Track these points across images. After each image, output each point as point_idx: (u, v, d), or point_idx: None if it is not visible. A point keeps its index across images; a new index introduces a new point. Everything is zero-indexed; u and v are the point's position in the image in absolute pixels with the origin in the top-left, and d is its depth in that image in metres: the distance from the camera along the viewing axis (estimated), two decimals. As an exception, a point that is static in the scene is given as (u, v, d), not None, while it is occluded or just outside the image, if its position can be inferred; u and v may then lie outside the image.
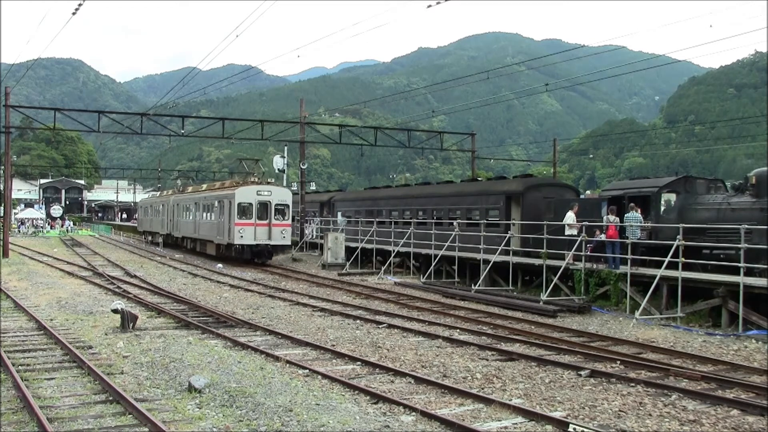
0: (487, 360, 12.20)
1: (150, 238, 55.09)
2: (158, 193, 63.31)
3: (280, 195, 32.96)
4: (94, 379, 9.85)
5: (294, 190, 40.64)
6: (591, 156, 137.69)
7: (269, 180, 34.24)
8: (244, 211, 31.64)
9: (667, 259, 16.30)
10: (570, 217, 20.21)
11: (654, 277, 16.60)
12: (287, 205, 32.68)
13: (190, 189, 46.01)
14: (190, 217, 40.30)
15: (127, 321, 14.41)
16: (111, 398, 8.90)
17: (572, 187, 29.98)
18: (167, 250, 44.95)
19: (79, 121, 38.40)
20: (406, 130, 44.71)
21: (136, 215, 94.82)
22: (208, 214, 36.28)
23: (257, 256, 32.41)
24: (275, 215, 32.08)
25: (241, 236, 31.31)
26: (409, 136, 42.91)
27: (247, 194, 31.87)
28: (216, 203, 34.57)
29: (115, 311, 14.92)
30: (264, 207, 32.01)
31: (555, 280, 19.19)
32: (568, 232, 20.00)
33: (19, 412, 8.32)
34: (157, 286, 23.11)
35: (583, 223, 19.55)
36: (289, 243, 33.09)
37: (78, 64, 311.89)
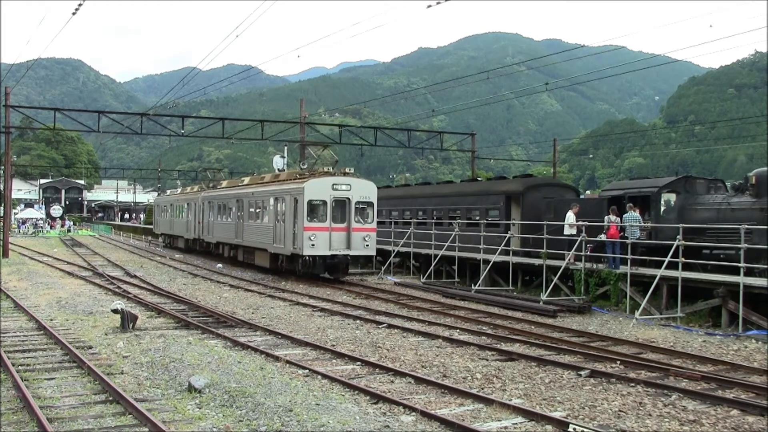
0: (487, 360, 12.20)
1: (169, 241, 48.42)
2: (178, 189, 54.22)
3: (363, 189, 25.07)
4: (94, 379, 9.85)
5: None
6: (591, 156, 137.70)
7: (347, 170, 25.26)
8: (314, 210, 24.15)
9: (667, 259, 16.31)
10: (570, 217, 20.22)
11: (654, 277, 16.60)
12: (371, 203, 24.99)
13: (224, 183, 38.42)
14: (230, 219, 32.70)
15: (127, 321, 14.41)
16: (111, 398, 8.90)
17: (572, 187, 29.97)
18: (194, 257, 38.25)
19: (79, 121, 38.38)
20: (406, 130, 44.70)
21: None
22: (260, 215, 28.73)
23: (331, 271, 25.14)
24: (356, 216, 24.52)
25: (312, 244, 23.64)
26: (409, 136, 42.91)
27: (319, 188, 24.21)
28: (272, 201, 27.00)
29: (115, 311, 14.92)
30: (341, 205, 24.48)
31: (555, 280, 19.20)
32: (567, 231, 20.01)
33: (19, 412, 8.32)
34: (157, 286, 23.11)
35: (584, 223, 19.54)
36: (374, 253, 25.36)
37: (78, 64, 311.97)
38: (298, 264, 24.60)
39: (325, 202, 24.12)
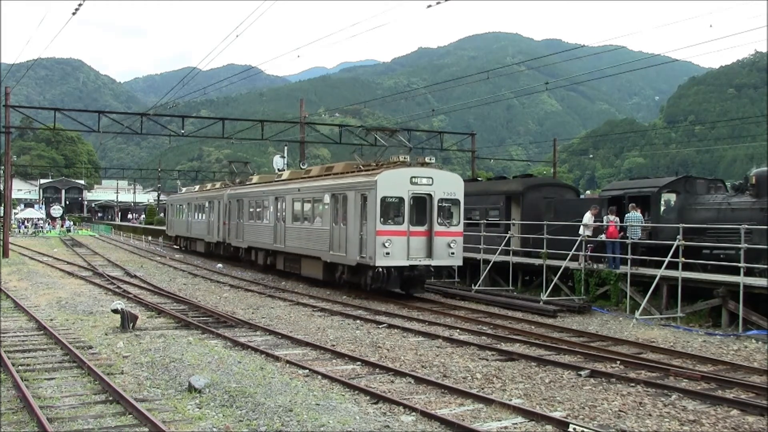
0: (487, 360, 12.20)
1: (185, 245, 43.60)
2: (196, 186, 48.29)
3: (447, 183, 20.44)
4: (94, 379, 9.85)
5: None
6: (591, 156, 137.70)
7: (426, 159, 20.68)
8: (389, 210, 19.76)
9: (667, 259, 16.31)
10: (587, 217, 19.93)
11: (654, 277, 16.61)
12: (457, 201, 20.43)
13: (255, 179, 33.19)
14: (267, 220, 27.98)
15: (127, 321, 14.41)
16: (111, 398, 8.90)
17: (572, 187, 29.97)
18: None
19: (79, 121, 38.37)
20: (406, 130, 44.70)
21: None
22: (310, 216, 24.02)
23: (409, 286, 20.45)
24: (439, 217, 20.01)
25: (387, 253, 19.13)
26: (409, 136, 42.92)
27: (395, 182, 19.63)
28: (328, 198, 22.21)
29: (115, 311, 14.92)
30: (421, 203, 19.97)
31: (555, 280, 19.20)
32: (584, 232, 19.75)
33: (19, 412, 8.33)
34: (157, 286, 23.11)
35: (599, 224, 19.44)
36: (460, 262, 20.84)
37: (78, 64, 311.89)
38: (365, 277, 20.03)
39: (401, 200, 19.62)
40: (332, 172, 23.90)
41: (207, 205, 37.33)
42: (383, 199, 19.43)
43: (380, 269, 19.15)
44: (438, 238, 19.85)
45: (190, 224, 41.77)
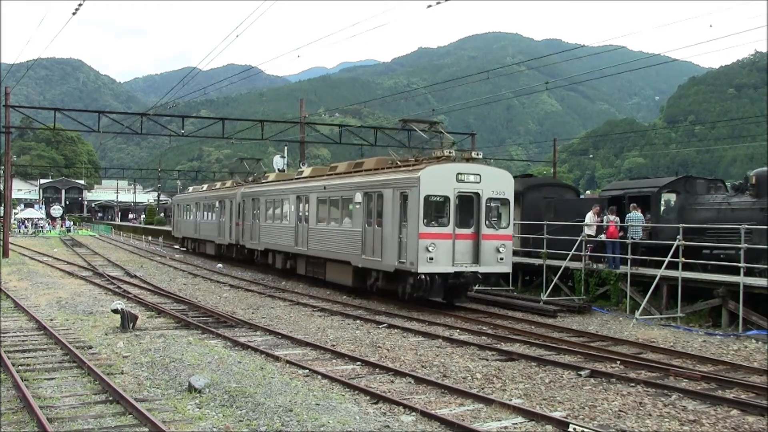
0: (487, 360, 12.21)
1: (194, 247, 41.75)
2: (203, 186, 45.75)
3: (496, 181, 18.48)
4: (94, 379, 9.85)
5: None
6: (591, 156, 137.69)
7: (473, 154, 19.15)
8: (432, 210, 17.72)
9: (667, 259, 16.32)
10: (589, 217, 19.94)
11: (654, 277, 16.61)
12: (506, 201, 18.54)
13: (271, 176, 31.97)
14: (287, 220, 25.97)
15: (127, 321, 14.42)
16: (111, 398, 8.90)
17: (572, 187, 29.97)
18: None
19: (79, 121, 38.38)
20: (406, 130, 44.65)
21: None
22: (338, 216, 21.96)
23: (452, 295, 18.65)
24: (486, 218, 18.10)
25: (430, 258, 17.15)
26: (409, 136, 42.89)
27: (440, 179, 17.69)
28: (360, 197, 20.18)
29: (115, 311, 14.93)
30: (467, 203, 18.03)
31: (555, 280, 19.20)
32: (586, 231, 19.71)
33: (19, 412, 8.33)
34: (157, 286, 23.11)
35: (602, 223, 19.44)
36: (509, 269, 19.07)
37: (78, 64, 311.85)
38: (404, 284, 18.08)
39: (447, 199, 17.65)
40: (363, 168, 21.96)
41: (217, 204, 35.44)
42: (427, 198, 17.45)
43: (423, 276, 17.22)
44: (486, 242, 17.97)
45: (199, 225, 39.85)
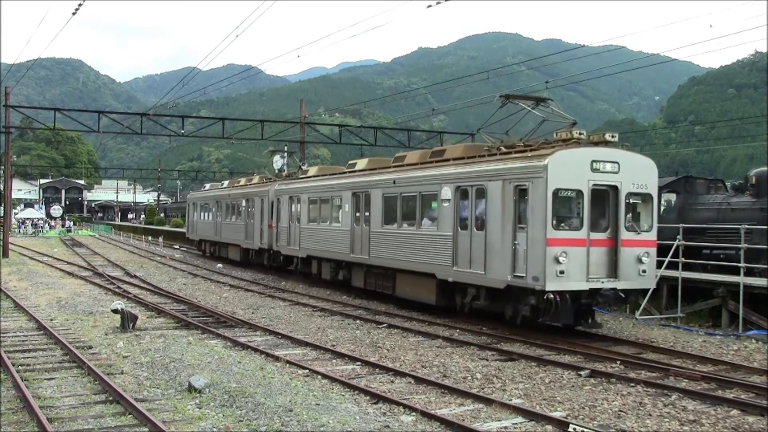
0: (487, 360, 12.21)
1: (212, 250, 37.32)
2: (224, 182, 40.52)
3: (637, 170, 14.44)
4: (94, 379, 9.85)
5: None
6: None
7: (608, 136, 14.63)
8: (560, 208, 13.81)
9: (667, 259, 16.31)
10: None
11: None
12: (649, 197, 14.61)
13: (312, 171, 27.16)
14: (337, 222, 22.02)
15: (127, 321, 14.42)
16: (111, 398, 8.90)
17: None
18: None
19: (79, 121, 38.41)
20: (406, 130, 44.69)
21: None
22: (411, 216, 18.02)
23: (582, 317, 14.54)
24: (626, 218, 14.21)
25: (561, 271, 13.17)
26: (409, 136, 42.89)
27: (572, 167, 13.74)
28: (450, 193, 16.22)
29: (115, 311, 14.93)
30: (601, 200, 14.13)
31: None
32: None
33: (19, 412, 8.33)
34: (157, 286, 23.11)
35: None
36: (653, 284, 15.13)
37: (78, 64, 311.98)
38: (519, 305, 14.27)
39: (580, 194, 13.76)
40: (446, 157, 17.84)
41: (244, 203, 31.22)
42: (556, 193, 13.46)
43: (553, 297, 13.14)
44: (626, 250, 14.01)
45: (220, 226, 35.08)
